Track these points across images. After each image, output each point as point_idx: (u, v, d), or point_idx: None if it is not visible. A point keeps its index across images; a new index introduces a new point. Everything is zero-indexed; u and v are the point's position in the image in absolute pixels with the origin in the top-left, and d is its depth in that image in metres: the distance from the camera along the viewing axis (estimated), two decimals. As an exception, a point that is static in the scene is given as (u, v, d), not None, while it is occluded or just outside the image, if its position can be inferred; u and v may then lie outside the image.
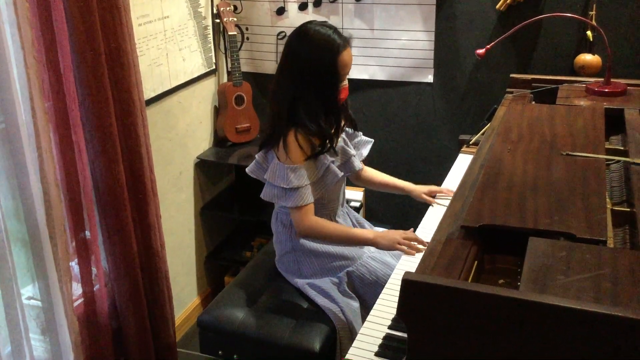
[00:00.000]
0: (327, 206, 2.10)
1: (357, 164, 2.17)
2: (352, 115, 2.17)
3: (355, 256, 2.06)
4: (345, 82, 2.01)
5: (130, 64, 2.06)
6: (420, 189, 2.23)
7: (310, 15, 2.96)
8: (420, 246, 1.87)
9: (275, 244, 2.18)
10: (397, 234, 1.92)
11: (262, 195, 2.05)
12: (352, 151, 2.15)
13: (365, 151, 2.24)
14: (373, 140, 2.28)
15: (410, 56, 2.88)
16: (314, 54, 1.92)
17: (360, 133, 2.24)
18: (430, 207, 2.15)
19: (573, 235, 1.26)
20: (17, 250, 1.87)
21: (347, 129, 2.16)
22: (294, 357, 1.91)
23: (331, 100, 1.99)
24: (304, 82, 1.93)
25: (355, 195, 3.06)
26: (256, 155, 2.10)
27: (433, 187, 2.22)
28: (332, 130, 2.02)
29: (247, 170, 2.12)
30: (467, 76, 2.84)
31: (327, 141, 1.99)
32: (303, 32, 1.96)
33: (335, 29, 1.96)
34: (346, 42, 1.96)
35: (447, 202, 2.13)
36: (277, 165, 1.98)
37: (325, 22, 2.00)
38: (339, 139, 2.08)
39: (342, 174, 2.07)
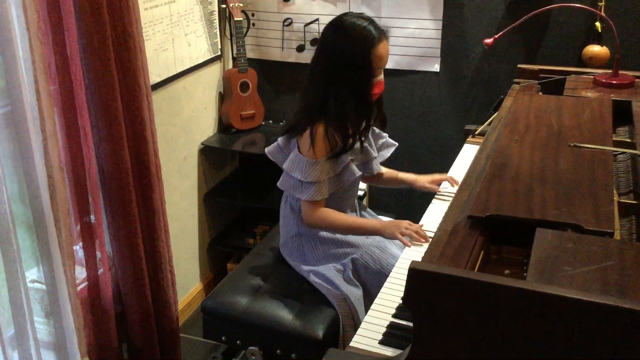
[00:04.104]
0: (340, 202, 2.09)
1: (377, 167, 2.16)
2: (384, 112, 2.12)
3: (360, 244, 2.06)
4: (381, 77, 1.96)
5: (137, 49, 2.05)
6: (423, 179, 2.22)
7: (316, 2, 2.94)
8: (422, 239, 1.86)
9: (282, 228, 2.18)
10: (401, 224, 1.91)
11: (278, 184, 2.04)
12: (375, 153, 2.12)
13: (387, 153, 2.21)
14: (397, 144, 2.24)
15: (417, 45, 2.87)
16: (349, 46, 1.89)
17: (386, 135, 2.20)
18: (435, 197, 2.15)
19: (580, 227, 1.25)
20: (22, 233, 1.88)
21: (374, 128, 2.12)
22: (297, 343, 1.91)
23: (364, 95, 1.94)
24: (337, 74, 1.90)
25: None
26: (279, 139, 2.08)
27: (437, 176, 2.21)
28: (362, 127, 1.99)
29: (266, 151, 2.10)
30: (474, 66, 2.83)
31: (351, 139, 1.96)
32: (338, 24, 1.92)
33: (371, 21, 1.91)
34: (382, 34, 1.91)
35: (450, 192, 2.14)
36: (297, 156, 1.96)
37: (361, 13, 1.96)
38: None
39: (360, 173, 2.05)
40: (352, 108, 1.94)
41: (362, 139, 2.01)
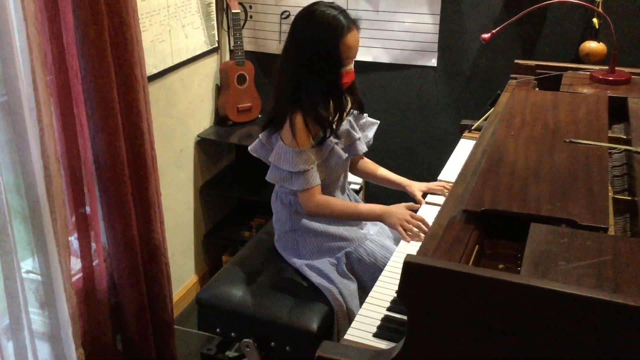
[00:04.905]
0: (327, 187, 2.09)
1: (362, 147, 2.15)
2: (360, 97, 2.13)
3: (354, 237, 2.06)
4: (351, 66, 1.97)
5: (134, 40, 2.04)
6: (417, 186, 2.19)
7: (314, -5, 2.93)
8: (421, 234, 1.86)
9: (275, 223, 2.19)
10: (404, 214, 1.90)
11: (267, 178, 2.05)
12: (358, 134, 2.13)
13: (371, 133, 2.21)
14: (379, 122, 2.24)
15: (414, 39, 2.87)
16: (318, 35, 1.89)
17: (366, 115, 2.21)
18: (430, 193, 2.15)
19: (575, 222, 1.26)
20: (17, 223, 1.87)
21: (353, 111, 2.13)
22: (292, 336, 1.92)
23: (334, 84, 1.95)
24: (307, 64, 1.90)
25: (355, 177, 3.04)
26: (260, 135, 2.08)
27: (431, 185, 2.16)
28: (336, 117, 2.00)
29: (249, 149, 2.11)
30: (471, 61, 2.83)
31: (327, 128, 1.96)
32: (309, 13, 1.92)
33: (342, 10, 1.92)
34: (352, 24, 1.92)
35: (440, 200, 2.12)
36: (282, 148, 1.96)
37: (332, 3, 1.96)
38: (344, 122, 2.06)
39: (346, 155, 2.06)
40: (322, 98, 1.94)
41: (334, 128, 2.00)
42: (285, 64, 1.96)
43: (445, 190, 2.11)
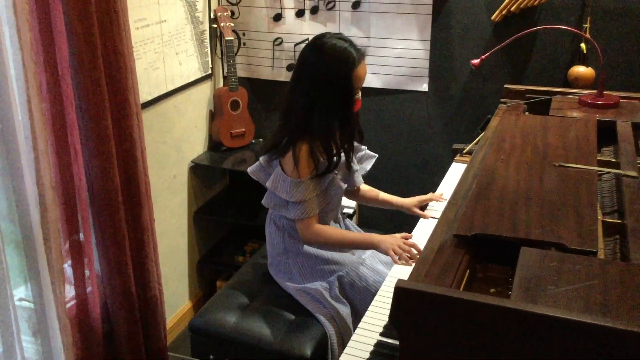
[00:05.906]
0: (322, 217, 2.10)
1: (359, 179, 2.19)
2: (361, 126, 2.16)
3: (346, 261, 2.07)
4: (359, 95, 2.02)
5: (127, 68, 2.06)
6: (410, 202, 2.22)
7: (307, 22, 2.97)
8: (411, 260, 1.86)
9: (268, 245, 2.19)
10: (397, 240, 1.92)
11: (263, 202, 2.06)
12: (356, 166, 2.16)
13: (368, 165, 2.25)
14: (377, 156, 2.28)
15: (405, 65, 2.90)
16: (331, 67, 1.92)
17: (365, 147, 2.24)
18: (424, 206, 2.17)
19: (564, 246, 1.27)
20: (10, 251, 1.87)
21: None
22: (286, 362, 1.91)
23: (346, 113, 1.99)
24: (319, 94, 1.93)
25: (348, 201, 3.06)
26: (260, 158, 2.10)
27: (422, 197, 2.21)
28: (346, 145, 2.03)
29: (248, 170, 2.12)
30: (462, 86, 2.86)
31: (335, 157, 1.99)
32: (319, 45, 1.96)
33: (351, 42, 1.97)
34: (361, 55, 1.97)
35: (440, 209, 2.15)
36: (281, 176, 1.98)
37: (340, 34, 2.01)
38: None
39: (345, 185, 2.09)
40: (335, 126, 1.97)
41: (350, 153, 2.05)
42: (296, 94, 1.98)
43: (437, 198, 2.15)
